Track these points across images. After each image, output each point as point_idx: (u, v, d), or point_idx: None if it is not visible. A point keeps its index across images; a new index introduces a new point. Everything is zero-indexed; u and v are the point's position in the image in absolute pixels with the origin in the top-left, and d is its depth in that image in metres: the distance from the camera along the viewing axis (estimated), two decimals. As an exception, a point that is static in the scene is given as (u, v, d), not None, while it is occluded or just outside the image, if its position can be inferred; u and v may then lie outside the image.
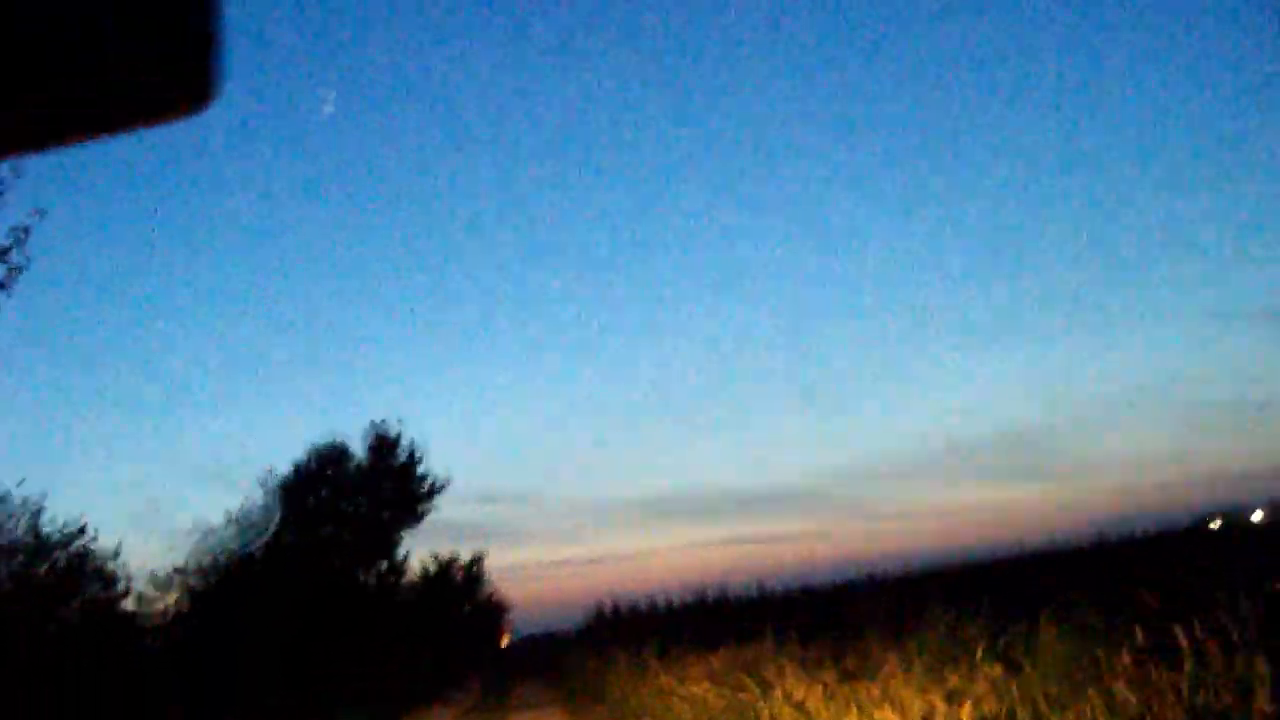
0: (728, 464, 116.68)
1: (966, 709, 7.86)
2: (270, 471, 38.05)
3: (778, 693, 10.94)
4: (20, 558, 20.28)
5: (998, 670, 8.38)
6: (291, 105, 76.41)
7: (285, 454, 53.02)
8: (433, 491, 39.86)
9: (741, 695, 12.66)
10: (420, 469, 39.74)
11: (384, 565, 40.61)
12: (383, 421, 39.98)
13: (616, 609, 38.71)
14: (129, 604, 27.19)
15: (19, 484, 19.77)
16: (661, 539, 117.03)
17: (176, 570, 34.51)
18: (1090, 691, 6.95)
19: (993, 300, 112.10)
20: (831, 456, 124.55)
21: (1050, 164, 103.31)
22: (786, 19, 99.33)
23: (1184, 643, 6.65)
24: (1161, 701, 6.61)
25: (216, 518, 45.05)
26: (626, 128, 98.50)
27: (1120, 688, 6.84)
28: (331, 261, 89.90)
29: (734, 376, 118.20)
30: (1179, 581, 8.81)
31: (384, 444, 39.33)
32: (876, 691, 9.38)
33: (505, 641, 75.88)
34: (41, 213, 13.60)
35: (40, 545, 20.65)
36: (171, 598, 35.54)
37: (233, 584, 35.01)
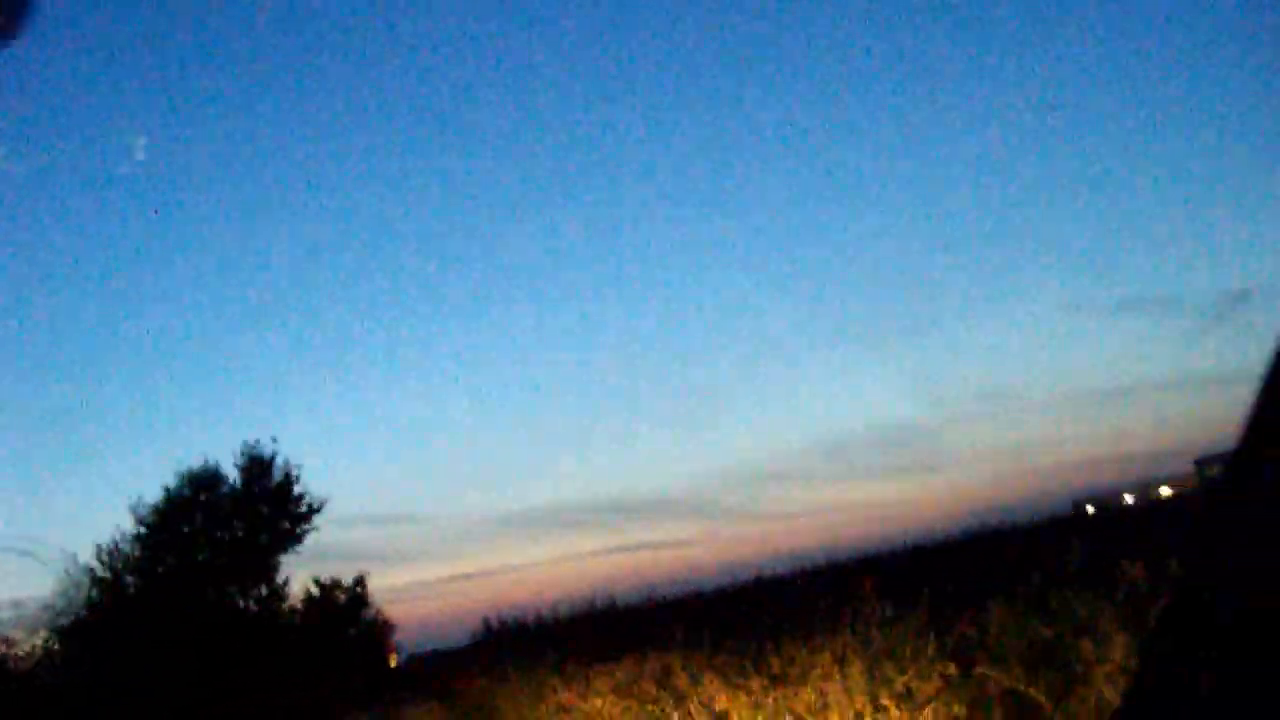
0: (608, 473, 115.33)
1: (927, 714, 6.71)
2: (140, 500, 35.97)
3: (693, 704, 9.72)
4: None
5: (952, 667, 7.28)
6: (146, 111, 72.83)
7: (153, 479, 50.23)
8: (311, 511, 37.98)
9: (650, 708, 11.44)
10: (297, 489, 37.82)
11: (263, 590, 38.55)
12: (256, 442, 37.98)
13: (504, 624, 37.26)
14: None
15: None
16: (545, 550, 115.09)
17: (45, 608, 32.32)
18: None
19: (863, 299, 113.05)
20: (712, 461, 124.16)
21: (916, 161, 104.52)
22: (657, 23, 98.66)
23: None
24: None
25: (84, 546, 42.61)
26: (499, 133, 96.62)
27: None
28: (195, 280, 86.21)
29: (611, 386, 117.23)
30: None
31: (258, 465, 37.31)
32: (811, 697, 8.23)
33: (393, 662, 73.50)
34: None
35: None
36: (39, 638, 33.20)
37: (104, 619, 32.84)
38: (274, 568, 38.10)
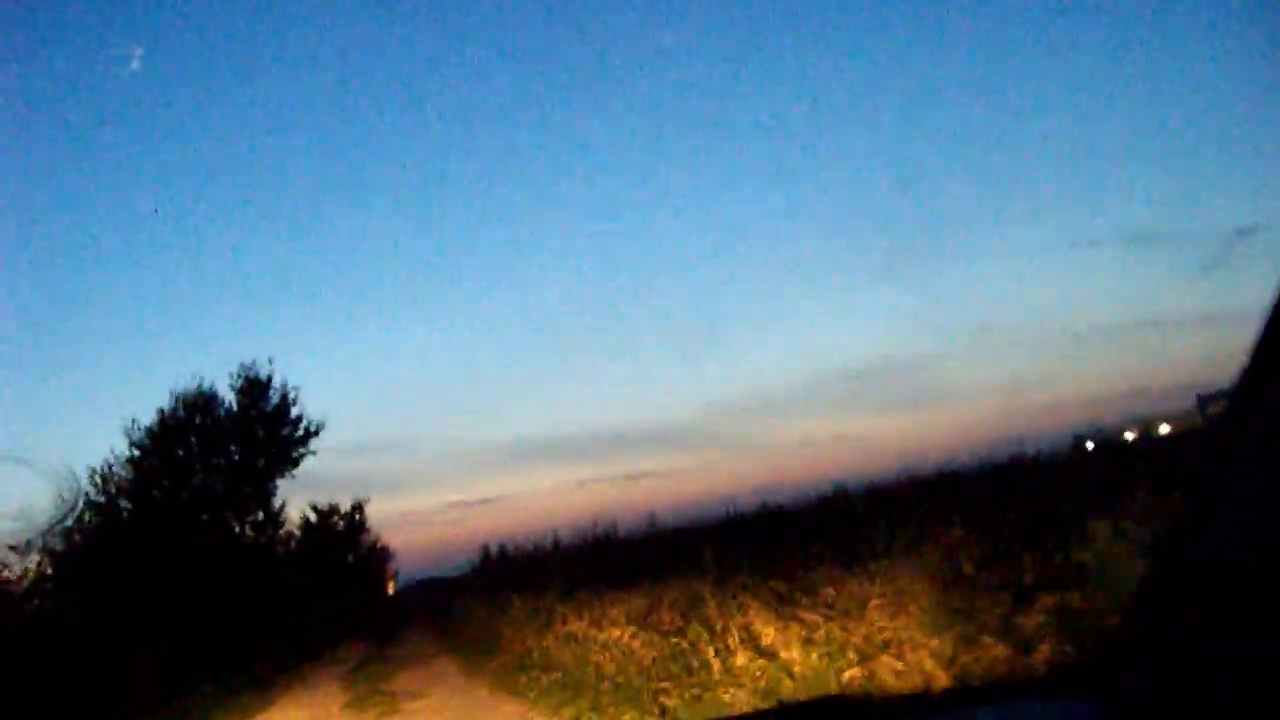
0: (604, 402, 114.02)
1: (1044, 651, 5.50)
2: (135, 422, 34.71)
3: (731, 636, 8.56)
4: None
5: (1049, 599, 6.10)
6: (144, 20, 70.60)
7: (149, 402, 48.89)
8: (308, 435, 36.74)
9: (675, 640, 10.28)
10: (294, 411, 36.57)
11: (260, 515, 37.43)
12: (252, 363, 36.62)
13: (504, 551, 36.24)
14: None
15: None
16: (541, 480, 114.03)
17: (43, 534, 31.27)
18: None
19: (864, 231, 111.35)
20: (708, 392, 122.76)
21: (917, 92, 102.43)
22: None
23: None
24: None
25: (78, 470, 41.47)
26: (496, 54, 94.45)
27: None
28: (193, 203, 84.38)
29: (609, 314, 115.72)
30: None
31: (254, 387, 36.01)
32: (871, 630, 7.05)
33: (391, 589, 72.87)
34: None
35: None
36: (33, 561, 32.14)
37: (97, 544, 31.79)
38: (271, 492, 36.94)
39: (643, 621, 11.91)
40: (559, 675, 13.60)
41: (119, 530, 32.57)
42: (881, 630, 7.21)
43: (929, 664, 6.57)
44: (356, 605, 48.44)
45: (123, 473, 34.51)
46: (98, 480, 33.62)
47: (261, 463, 36.06)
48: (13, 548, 26.72)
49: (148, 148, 77.33)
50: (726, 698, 8.02)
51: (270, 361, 36.78)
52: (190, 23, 75.66)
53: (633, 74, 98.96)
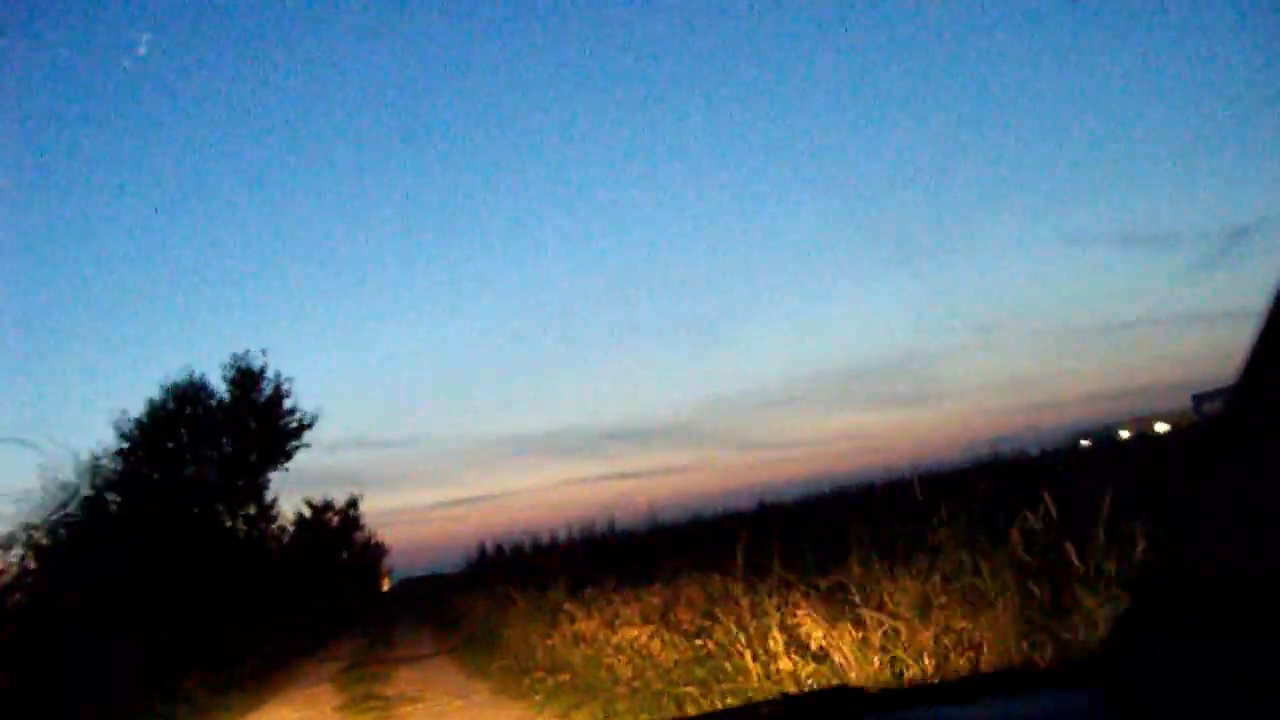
0: (605, 400, 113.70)
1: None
2: (124, 413, 33.69)
3: (773, 637, 7.58)
4: None
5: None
6: (150, 8, 69.60)
7: (139, 394, 47.82)
8: (302, 427, 35.72)
9: (702, 642, 9.32)
10: (288, 403, 35.54)
11: (252, 509, 36.43)
12: (245, 354, 35.53)
13: (501, 548, 35.34)
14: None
15: None
16: (537, 477, 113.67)
17: (26, 527, 30.23)
18: None
19: (863, 231, 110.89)
20: (704, 390, 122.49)
21: (916, 93, 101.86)
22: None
23: None
24: None
25: (66, 463, 40.42)
26: (502, 51, 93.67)
27: None
28: (189, 195, 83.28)
29: (609, 314, 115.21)
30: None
31: (246, 378, 34.95)
32: (937, 632, 6.10)
33: (386, 586, 71.98)
34: None
35: None
36: (16, 555, 31.14)
37: (85, 537, 30.81)
38: (263, 486, 35.96)
39: (660, 621, 10.96)
40: (567, 677, 12.64)
41: (106, 524, 31.56)
42: (953, 630, 6.28)
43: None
44: (351, 602, 47.56)
45: (111, 465, 33.49)
46: (85, 472, 32.57)
47: (254, 455, 35.07)
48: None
49: (143, 140, 76.32)
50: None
51: (263, 352, 35.72)
52: (187, 17, 74.66)
53: (631, 69, 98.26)
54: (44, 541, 31.48)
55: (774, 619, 7.75)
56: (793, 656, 7.29)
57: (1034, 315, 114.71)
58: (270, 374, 35.51)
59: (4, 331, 57.97)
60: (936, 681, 5.86)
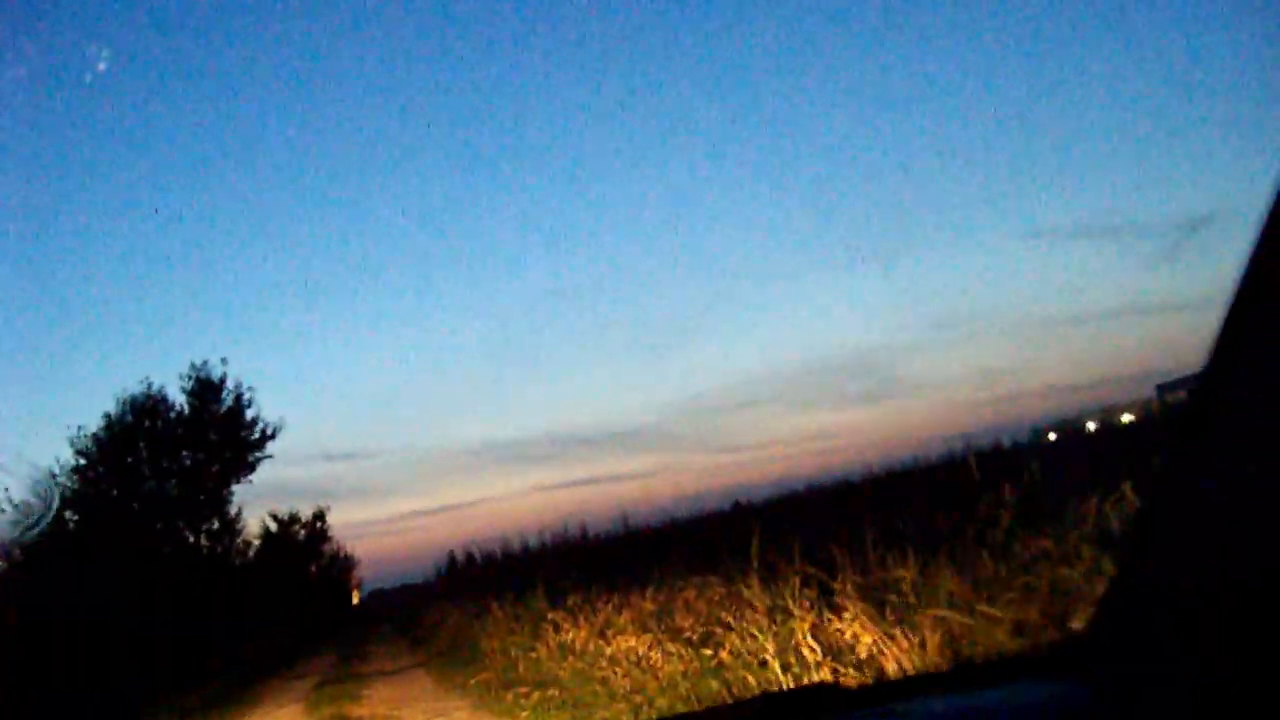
0: (566, 406, 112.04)
1: None
2: (80, 429, 32.26)
3: (806, 646, 6.49)
4: None
5: None
6: (108, 21, 67.68)
7: (95, 407, 46.15)
8: (265, 438, 34.33)
9: (710, 653, 8.23)
10: (249, 413, 34.14)
11: (215, 524, 35.04)
12: (204, 364, 34.08)
13: (472, 557, 34.26)
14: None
15: None
16: (506, 485, 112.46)
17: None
18: None
19: (823, 230, 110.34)
20: (671, 393, 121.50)
21: (875, 91, 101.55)
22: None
23: None
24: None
25: (17, 481, 38.75)
26: (467, 59, 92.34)
27: None
28: (151, 201, 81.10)
29: (571, 317, 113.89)
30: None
31: (206, 388, 33.51)
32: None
33: (356, 598, 70.51)
34: None
35: None
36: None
37: (40, 556, 29.42)
38: (227, 499, 34.59)
39: (658, 629, 9.87)
40: (555, 693, 11.51)
41: (65, 543, 30.16)
42: (1028, 623, 5.26)
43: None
44: (321, 616, 46.25)
45: (68, 482, 32.05)
46: (40, 490, 31.05)
47: (216, 468, 33.69)
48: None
49: (97, 148, 74.35)
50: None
51: (223, 362, 34.27)
52: (151, 23, 72.90)
53: (590, 73, 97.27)
54: (-1, 565, 29.98)
55: (802, 623, 6.67)
56: (830, 665, 6.22)
57: (997, 309, 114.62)
58: (231, 384, 34.18)
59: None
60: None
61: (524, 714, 11.31)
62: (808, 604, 6.85)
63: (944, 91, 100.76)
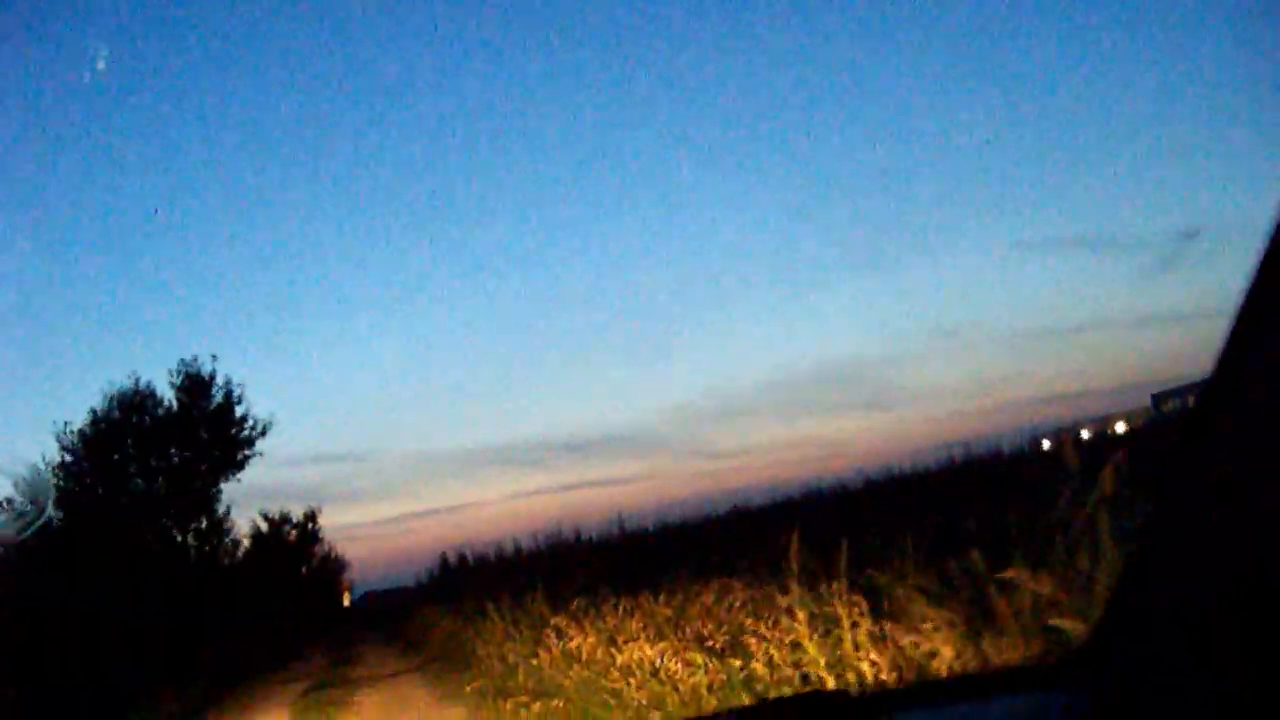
0: (558, 411, 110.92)
1: None
2: (66, 425, 31.27)
3: (873, 658, 5.58)
4: None
5: None
6: (106, 19, 66.67)
7: (81, 402, 45.03)
8: (255, 435, 33.35)
9: (740, 664, 7.34)
10: (239, 410, 33.15)
11: (204, 523, 34.05)
12: (193, 359, 33.07)
13: (465, 559, 33.36)
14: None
15: None
16: (497, 489, 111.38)
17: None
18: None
19: (816, 236, 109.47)
20: (659, 399, 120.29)
21: (866, 99, 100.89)
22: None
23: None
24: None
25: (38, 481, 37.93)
26: (458, 76, 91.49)
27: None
28: (140, 201, 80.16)
29: (562, 320, 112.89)
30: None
31: (196, 384, 32.53)
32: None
33: (347, 600, 69.50)
34: None
35: None
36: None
37: (23, 555, 28.50)
38: (215, 498, 33.61)
39: (676, 637, 8.97)
40: (559, 703, 10.60)
41: (47, 541, 29.21)
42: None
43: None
44: (311, 618, 45.30)
45: (53, 479, 31.07)
46: (24, 489, 30.13)
47: (205, 466, 32.70)
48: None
49: (96, 145, 73.34)
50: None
51: (213, 358, 33.28)
52: (147, 22, 72.00)
53: (580, 73, 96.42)
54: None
55: (851, 629, 5.77)
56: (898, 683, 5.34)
57: (993, 319, 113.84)
58: (221, 380, 33.20)
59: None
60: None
61: (524, 725, 10.44)
62: (858, 610, 5.95)
63: (940, 100, 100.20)
